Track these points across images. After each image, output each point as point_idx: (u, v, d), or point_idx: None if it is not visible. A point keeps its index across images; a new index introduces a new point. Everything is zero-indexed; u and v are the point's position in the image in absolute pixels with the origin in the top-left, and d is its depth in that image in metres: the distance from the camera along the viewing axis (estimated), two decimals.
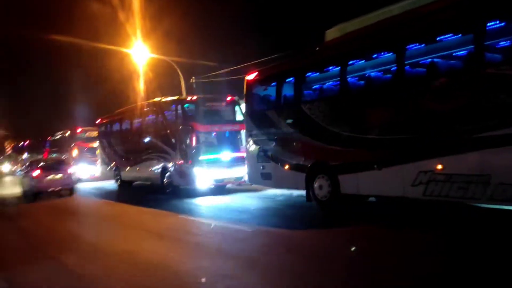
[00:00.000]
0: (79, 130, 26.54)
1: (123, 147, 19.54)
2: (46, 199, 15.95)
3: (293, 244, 6.64)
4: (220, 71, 22.81)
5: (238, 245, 6.72)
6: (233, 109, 15.73)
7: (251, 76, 11.53)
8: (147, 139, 17.09)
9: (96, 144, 25.31)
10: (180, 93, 22.34)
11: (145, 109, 17.58)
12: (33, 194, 16.61)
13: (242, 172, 14.64)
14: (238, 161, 14.69)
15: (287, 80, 10.45)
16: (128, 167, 18.93)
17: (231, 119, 15.59)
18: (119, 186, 19.81)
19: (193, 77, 23.78)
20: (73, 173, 18.90)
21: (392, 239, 6.43)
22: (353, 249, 5.77)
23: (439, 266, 4.94)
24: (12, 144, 57.08)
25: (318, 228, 7.74)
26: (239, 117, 15.63)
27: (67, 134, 27.60)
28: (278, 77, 10.58)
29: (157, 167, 16.17)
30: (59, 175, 16.98)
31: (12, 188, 20.56)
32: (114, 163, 20.39)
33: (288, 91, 10.42)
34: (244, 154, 14.93)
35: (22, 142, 45.56)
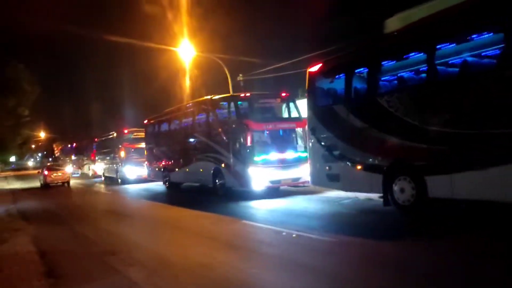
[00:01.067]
0: (126, 131, 26.46)
1: (172, 148, 19.09)
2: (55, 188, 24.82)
3: (388, 259, 5.65)
4: (269, 68, 21.99)
5: (326, 260, 5.81)
6: (288, 105, 14.85)
7: (314, 68, 10.59)
8: (197, 139, 16.50)
9: (142, 145, 25.17)
10: (227, 91, 21.73)
11: (195, 108, 17.00)
12: (45, 185, 26.51)
13: (299, 172, 13.77)
14: (295, 161, 13.83)
15: (358, 70, 9.46)
16: (177, 169, 18.44)
17: (286, 116, 14.71)
18: (168, 187, 19.38)
19: (241, 75, 23.10)
20: (69, 172, 30.60)
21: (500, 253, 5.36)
22: None
23: None
24: (60, 147, 58.68)
25: (409, 238, 6.69)
26: (294, 114, 14.75)
27: (114, 136, 27.63)
28: (347, 68, 9.59)
29: (208, 168, 15.51)
30: (60, 174, 27.28)
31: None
32: (162, 164, 20.01)
33: (359, 82, 9.43)
34: (301, 153, 14.09)
35: (70, 144, 46.59)
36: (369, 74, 9.02)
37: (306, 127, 11.21)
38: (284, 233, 7.52)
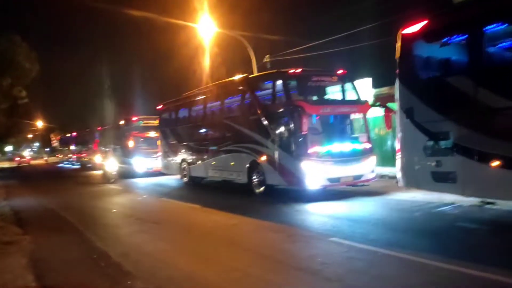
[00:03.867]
0: (134, 118, 23.62)
1: (193, 137, 16.34)
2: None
3: None
4: (303, 46, 19.12)
5: None
6: (344, 86, 12.10)
7: (412, 29, 7.80)
8: (227, 127, 13.75)
9: (153, 134, 22.44)
10: (251, 73, 18.90)
11: (225, 89, 14.24)
12: (17, 165, 44.37)
13: (361, 169, 11.13)
14: (356, 154, 11.19)
15: (495, 27, 6.68)
16: (200, 161, 15.73)
17: (345, 98, 11.97)
18: (187, 183, 16.69)
19: (268, 55, 20.27)
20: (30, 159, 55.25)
21: None
22: None
23: None
24: (59, 137, 55.97)
25: None
26: (352, 95, 12.05)
27: (121, 124, 24.81)
28: (472, 25, 6.81)
29: (242, 162, 12.84)
30: (24, 159, 51.85)
31: None
32: (180, 156, 17.26)
33: (498, 43, 6.68)
34: (363, 145, 11.41)
35: (70, 134, 43.71)
36: None
37: (396, 111, 8.41)
38: (429, 266, 4.80)
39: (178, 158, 17.42)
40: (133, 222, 9.15)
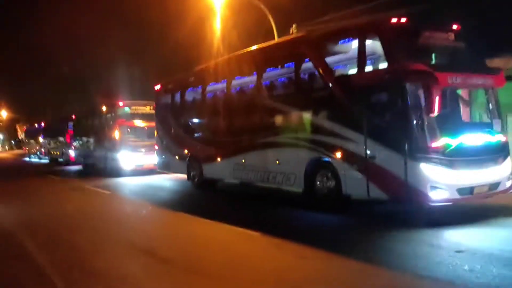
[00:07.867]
0: (120, 103, 19.00)
1: (210, 126, 12.12)
2: None
3: None
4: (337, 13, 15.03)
5: None
6: (462, 47, 8.10)
7: None
8: (271, 111, 9.62)
9: (143, 123, 18.06)
10: None
11: (268, 57, 9.99)
12: None
13: (498, 173, 7.23)
14: (493, 150, 7.31)
15: None
16: (219, 158, 11.54)
17: (474, 64, 7.92)
18: (198, 186, 12.50)
19: (294, 25, 16.09)
20: None
21: None
22: None
23: None
24: (24, 128, 50.61)
25: None
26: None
27: (102, 110, 20.14)
28: None
29: (297, 159, 8.84)
30: None
31: None
32: (188, 150, 12.98)
33: None
34: (498, 137, 7.49)
35: (37, 124, 38.38)
36: None
37: None
38: None
39: (184, 154, 13.13)
40: (163, 272, 4.77)
